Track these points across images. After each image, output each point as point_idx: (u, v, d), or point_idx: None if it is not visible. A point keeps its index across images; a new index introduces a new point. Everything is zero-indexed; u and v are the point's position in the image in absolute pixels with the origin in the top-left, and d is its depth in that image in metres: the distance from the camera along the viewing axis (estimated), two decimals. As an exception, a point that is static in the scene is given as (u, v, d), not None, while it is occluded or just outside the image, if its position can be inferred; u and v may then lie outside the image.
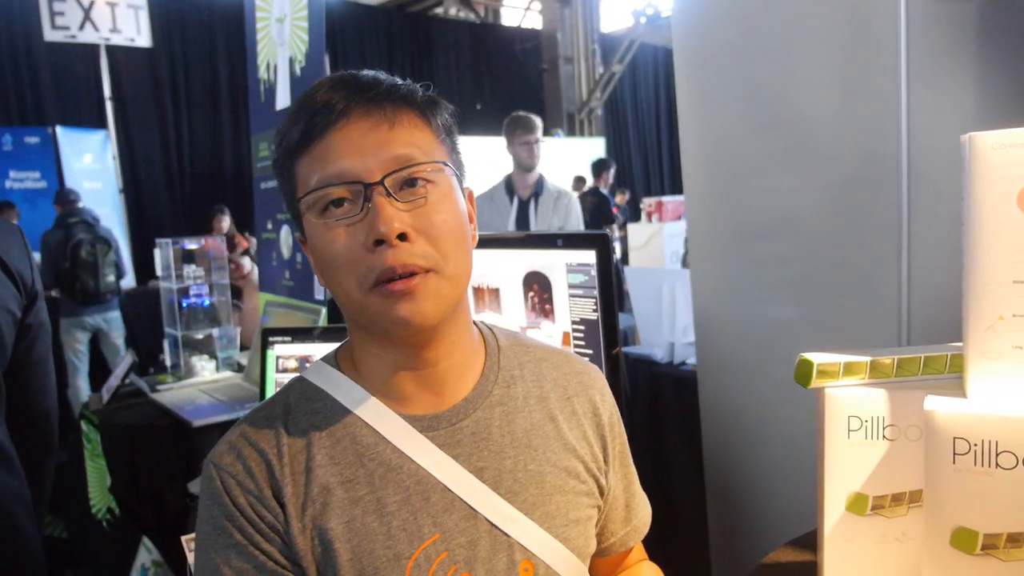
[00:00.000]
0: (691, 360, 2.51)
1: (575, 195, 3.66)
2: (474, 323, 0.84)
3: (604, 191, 7.62)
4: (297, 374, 0.82)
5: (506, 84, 12.58)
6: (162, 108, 9.10)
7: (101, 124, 8.04)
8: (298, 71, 2.64)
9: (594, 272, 1.32)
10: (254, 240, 5.09)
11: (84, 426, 2.54)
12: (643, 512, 0.94)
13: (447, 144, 0.76)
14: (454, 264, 0.71)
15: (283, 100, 2.77)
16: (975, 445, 0.66)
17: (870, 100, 1.39)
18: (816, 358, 0.76)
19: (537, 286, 1.44)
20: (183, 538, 1.25)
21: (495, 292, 1.53)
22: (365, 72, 0.74)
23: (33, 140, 7.37)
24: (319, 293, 2.57)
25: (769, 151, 1.56)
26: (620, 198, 9.49)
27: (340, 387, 0.77)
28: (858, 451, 0.76)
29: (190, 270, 3.01)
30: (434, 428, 0.76)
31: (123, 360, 2.88)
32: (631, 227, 6.34)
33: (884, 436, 0.75)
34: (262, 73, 2.94)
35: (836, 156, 1.45)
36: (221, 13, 9.23)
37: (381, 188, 0.68)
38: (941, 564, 0.69)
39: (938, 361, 0.76)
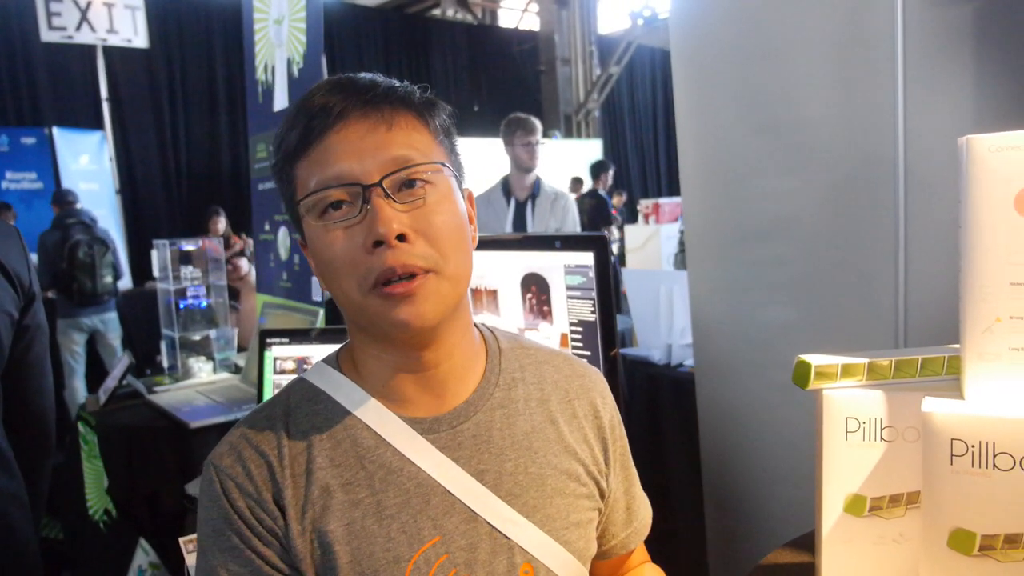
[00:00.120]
0: (689, 362, 2.51)
1: (572, 197, 3.67)
2: (475, 325, 0.84)
3: (603, 193, 7.63)
4: (295, 375, 0.82)
5: (503, 86, 12.58)
6: (159, 109, 9.09)
7: (98, 125, 8.03)
8: (296, 72, 2.64)
9: (592, 274, 1.32)
10: (250, 241, 5.08)
11: (81, 427, 2.53)
12: (644, 514, 0.94)
13: (445, 145, 0.76)
14: (454, 265, 0.71)
15: (281, 101, 2.77)
16: (972, 446, 0.67)
17: (867, 102, 1.39)
18: (814, 360, 0.76)
19: (535, 288, 1.44)
20: (180, 539, 1.25)
21: (493, 294, 1.53)
22: (362, 75, 0.74)
23: (29, 141, 7.36)
24: (317, 294, 2.56)
25: (766, 153, 1.57)
26: (617, 200, 9.50)
27: (341, 389, 0.77)
28: (856, 452, 0.76)
29: (187, 271, 3.01)
30: (435, 430, 0.76)
31: (120, 361, 2.88)
32: (628, 229, 6.34)
33: (882, 437, 0.75)
34: (260, 74, 2.93)
35: (833, 158, 1.45)
36: (218, 14, 9.23)
37: (379, 190, 0.68)
38: (939, 565, 0.69)
39: (935, 363, 0.76)
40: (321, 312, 2.48)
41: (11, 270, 1.32)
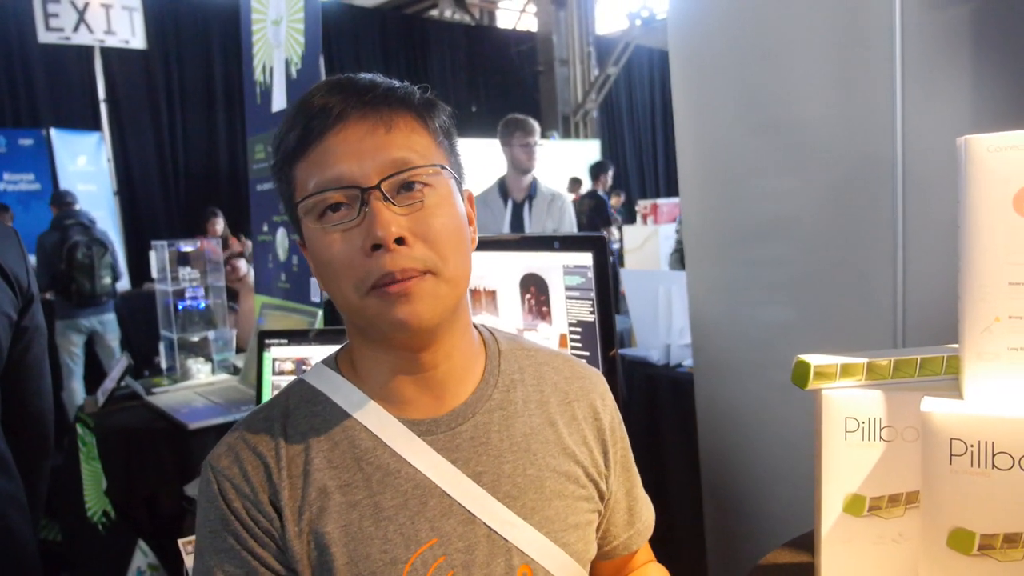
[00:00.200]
0: (687, 362, 2.51)
1: (569, 198, 3.67)
2: (475, 326, 0.84)
3: (602, 194, 7.63)
4: (293, 376, 0.82)
5: (501, 86, 12.58)
6: (157, 110, 9.07)
7: (95, 126, 8.02)
8: (294, 73, 2.64)
9: (591, 274, 1.32)
10: (249, 243, 5.08)
11: (79, 429, 2.53)
12: (646, 515, 0.94)
13: (445, 147, 0.75)
14: (452, 266, 0.71)
15: (279, 102, 2.76)
16: (971, 446, 0.67)
17: (866, 102, 1.39)
18: (813, 359, 0.76)
19: (534, 288, 1.44)
20: (179, 541, 1.25)
21: (492, 294, 1.53)
22: (362, 75, 0.73)
23: (27, 142, 7.35)
24: (315, 295, 2.56)
25: (765, 153, 1.57)
26: (615, 200, 9.49)
27: (339, 390, 0.77)
28: (855, 452, 0.76)
29: (185, 272, 3.01)
30: (433, 432, 0.75)
31: (118, 363, 2.88)
32: (627, 229, 6.35)
33: (881, 437, 0.75)
34: (258, 75, 2.93)
35: (832, 158, 1.45)
36: (216, 15, 9.21)
37: (378, 192, 0.68)
38: (938, 565, 0.69)
39: (934, 363, 0.76)
40: (320, 313, 2.48)
41: (9, 271, 1.32)
